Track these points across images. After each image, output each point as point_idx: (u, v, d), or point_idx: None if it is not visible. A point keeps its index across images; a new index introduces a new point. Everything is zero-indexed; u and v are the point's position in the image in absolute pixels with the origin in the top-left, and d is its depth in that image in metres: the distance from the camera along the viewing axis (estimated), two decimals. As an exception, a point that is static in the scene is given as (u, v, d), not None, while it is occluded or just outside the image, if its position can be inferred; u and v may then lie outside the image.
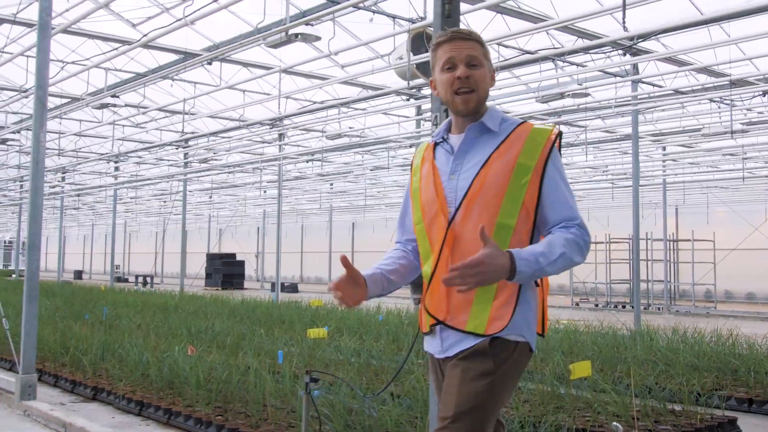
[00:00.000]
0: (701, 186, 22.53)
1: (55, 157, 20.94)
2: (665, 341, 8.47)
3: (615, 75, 11.13)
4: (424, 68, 8.54)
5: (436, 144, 2.35)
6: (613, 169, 20.19)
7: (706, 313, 18.20)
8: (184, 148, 19.50)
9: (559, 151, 2.25)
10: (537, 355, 7.13)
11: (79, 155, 20.80)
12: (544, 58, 10.40)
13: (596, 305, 20.93)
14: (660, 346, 8.06)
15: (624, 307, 20.38)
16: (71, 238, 56.90)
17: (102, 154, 21.14)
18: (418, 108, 14.12)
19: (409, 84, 8.90)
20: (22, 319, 6.13)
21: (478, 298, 2.18)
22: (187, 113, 13.40)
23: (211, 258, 31.37)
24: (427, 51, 8.48)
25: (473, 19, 9.19)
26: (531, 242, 2.22)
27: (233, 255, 32.19)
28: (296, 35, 7.60)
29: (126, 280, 38.33)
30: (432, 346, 2.30)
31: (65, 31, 10.18)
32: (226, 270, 30.30)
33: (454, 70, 2.22)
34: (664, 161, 18.69)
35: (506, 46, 10.49)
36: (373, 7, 8.38)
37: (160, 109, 13.57)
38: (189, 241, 43.18)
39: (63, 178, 26.12)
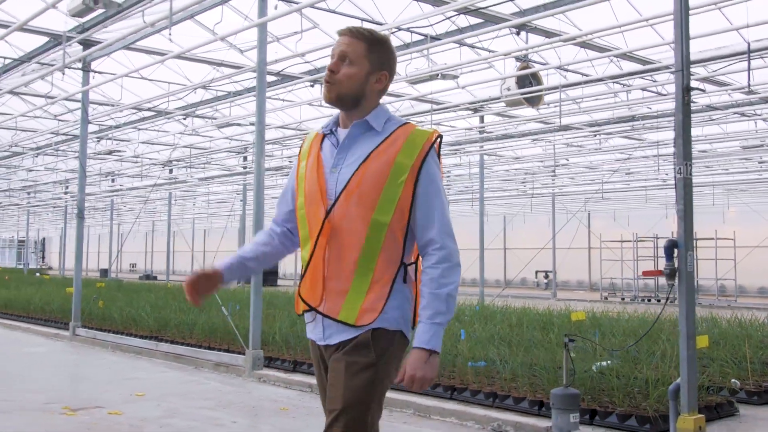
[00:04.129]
0: (723, 188, 24.29)
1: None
2: (725, 327, 10.19)
3: (665, 95, 12.81)
4: (528, 99, 10.19)
5: (324, 135, 2.40)
6: (645, 174, 21.89)
7: (728, 306, 19.92)
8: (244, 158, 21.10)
9: (438, 155, 2.30)
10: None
11: (142, 160, 22.31)
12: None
13: (622, 299, 22.65)
14: (724, 329, 9.76)
15: (650, 300, 22.10)
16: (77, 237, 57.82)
17: (164, 163, 22.71)
18: (482, 118, 15.75)
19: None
20: (251, 307, 7.72)
21: (353, 290, 2.23)
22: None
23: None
24: (531, 85, 10.13)
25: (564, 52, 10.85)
26: (405, 239, 2.28)
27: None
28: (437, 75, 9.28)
29: (155, 278, 39.65)
30: (313, 333, 2.36)
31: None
32: (261, 268, 31.86)
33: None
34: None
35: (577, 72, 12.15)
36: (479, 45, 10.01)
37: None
38: (197, 240, 44.69)
39: (113, 180, 27.61)
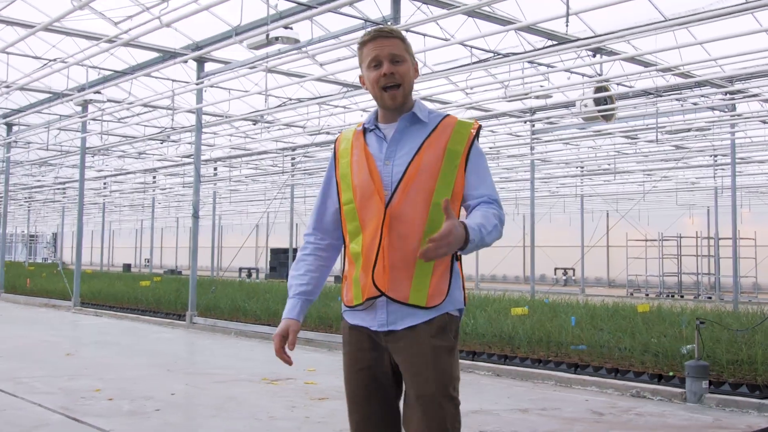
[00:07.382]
0: (745, 190, 25.70)
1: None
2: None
3: (714, 109, 14.13)
4: (604, 115, 11.48)
5: (365, 131, 2.47)
6: (675, 178, 23.24)
7: (749, 301, 21.23)
8: (290, 157, 22.32)
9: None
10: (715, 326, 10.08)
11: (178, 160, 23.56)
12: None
13: (646, 295, 23.99)
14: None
15: (673, 296, 23.40)
16: (86, 232, 58.85)
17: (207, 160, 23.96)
18: (532, 126, 17.01)
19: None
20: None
21: (418, 273, 2.33)
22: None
23: (275, 252, 34.16)
24: (606, 104, 11.42)
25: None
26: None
27: (295, 250, 35.00)
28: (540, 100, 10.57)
29: (179, 273, 40.75)
30: (364, 319, 2.41)
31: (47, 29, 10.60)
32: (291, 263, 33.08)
33: (380, 68, 2.37)
34: (715, 170, 21.78)
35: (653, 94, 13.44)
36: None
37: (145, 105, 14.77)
38: (217, 236, 45.78)
39: (153, 180, 28.81)
